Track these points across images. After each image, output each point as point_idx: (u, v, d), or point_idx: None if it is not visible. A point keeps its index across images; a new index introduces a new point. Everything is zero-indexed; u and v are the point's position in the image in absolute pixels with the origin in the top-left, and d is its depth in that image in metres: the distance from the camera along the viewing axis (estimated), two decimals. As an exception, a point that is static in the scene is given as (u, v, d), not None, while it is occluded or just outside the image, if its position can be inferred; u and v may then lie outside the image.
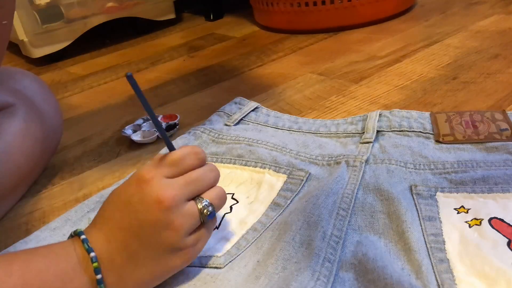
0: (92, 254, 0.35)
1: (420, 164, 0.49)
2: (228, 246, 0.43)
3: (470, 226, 0.40)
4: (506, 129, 0.52)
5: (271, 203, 0.48)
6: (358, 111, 0.68)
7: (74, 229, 0.48)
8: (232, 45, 1.12)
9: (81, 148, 0.71)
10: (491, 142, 0.51)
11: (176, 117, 0.71)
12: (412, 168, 0.49)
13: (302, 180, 0.50)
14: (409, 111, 0.58)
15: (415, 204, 0.44)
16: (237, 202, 0.49)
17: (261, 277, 0.38)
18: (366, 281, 0.36)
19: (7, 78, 0.60)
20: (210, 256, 0.42)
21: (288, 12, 1.09)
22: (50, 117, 0.62)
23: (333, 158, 0.52)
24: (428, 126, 0.55)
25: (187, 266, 0.41)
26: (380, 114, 0.58)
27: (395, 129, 0.56)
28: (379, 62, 0.84)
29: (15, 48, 1.25)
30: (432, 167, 0.48)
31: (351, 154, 0.52)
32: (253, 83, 0.86)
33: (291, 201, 0.47)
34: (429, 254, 0.38)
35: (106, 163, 0.66)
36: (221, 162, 0.56)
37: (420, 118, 0.57)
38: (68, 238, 0.38)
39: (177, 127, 0.70)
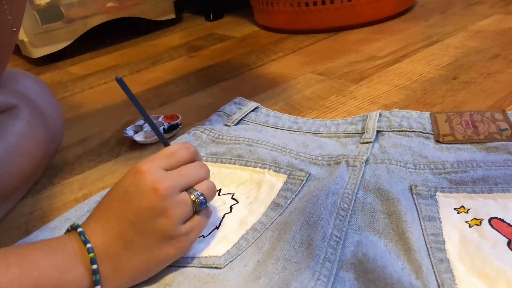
0: (89, 245, 0.36)
1: (420, 164, 0.49)
2: (228, 246, 0.43)
3: (470, 226, 0.40)
4: (506, 129, 0.52)
5: (271, 203, 0.48)
6: (358, 111, 0.68)
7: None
8: (232, 45, 1.12)
9: (81, 148, 0.71)
10: (491, 142, 0.51)
11: (178, 117, 0.71)
12: (412, 168, 0.49)
13: (302, 180, 0.50)
14: (409, 111, 0.58)
15: (415, 204, 0.44)
16: (237, 202, 0.49)
17: (261, 277, 0.38)
18: (367, 281, 0.36)
19: (9, 80, 0.61)
20: (210, 256, 0.42)
21: (288, 12, 1.09)
22: (52, 118, 0.63)
23: (333, 158, 0.52)
24: (428, 126, 0.55)
25: (188, 266, 0.41)
26: (380, 114, 0.58)
27: (395, 129, 0.56)
28: (379, 62, 0.84)
29: (15, 48, 1.24)
30: (432, 167, 0.48)
31: (351, 154, 0.52)
32: (253, 83, 0.86)
33: (291, 201, 0.47)
34: (429, 254, 0.38)
35: (106, 163, 0.66)
36: (221, 162, 0.56)
37: (420, 118, 0.57)
38: (65, 233, 0.39)
39: (180, 127, 0.70)
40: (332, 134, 0.58)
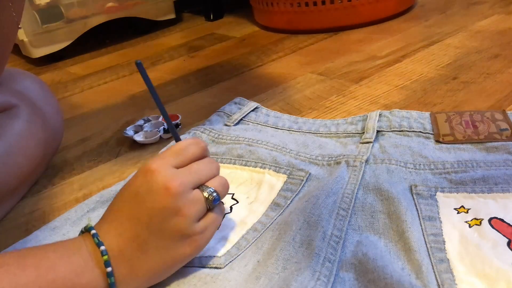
0: (102, 247, 0.36)
1: (420, 164, 0.49)
2: (228, 246, 0.43)
3: (470, 226, 0.40)
4: (506, 129, 0.52)
5: (271, 203, 0.48)
6: (358, 111, 0.68)
7: (74, 228, 0.48)
8: (232, 45, 1.12)
9: (81, 148, 0.71)
10: (491, 142, 0.51)
11: (178, 117, 0.71)
12: (412, 168, 0.49)
13: (302, 180, 0.50)
14: (409, 111, 0.58)
15: (415, 204, 0.44)
16: (237, 202, 0.49)
17: (261, 277, 0.38)
18: (367, 281, 0.36)
19: (9, 79, 0.61)
20: (210, 256, 0.42)
21: (288, 12, 1.09)
22: (51, 118, 0.62)
23: (333, 158, 0.52)
24: (428, 126, 0.55)
25: (188, 266, 0.41)
26: (380, 114, 0.58)
27: (395, 129, 0.56)
28: (379, 62, 0.84)
29: (15, 48, 1.24)
30: (432, 167, 0.48)
31: (351, 154, 0.52)
32: (253, 83, 0.86)
33: (291, 201, 0.47)
34: (429, 254, 0.38)
35: (106, 163, 0.66)
36: (221, 162, 0.56)
37: (420, 118, 0.57)
38: (79, 235, 0.39)
39: (180, 127, 0.70)
40: (332, 134, 0.58)
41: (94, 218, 0.49)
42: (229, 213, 0.48)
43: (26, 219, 0.55)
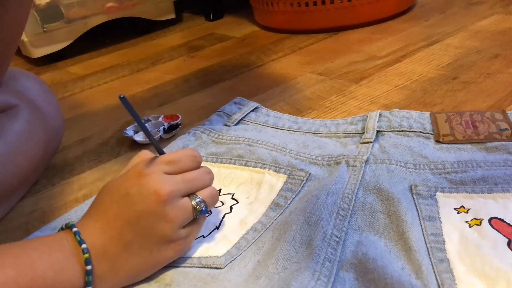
0: (84, 245, 0.36)
1: (420, 164, 0.49)
2: (228, 246, 0.43)
3: (470, 226, 0.40)
4: (506, 129, 0.52)
5: (271, 203, 0.48)
6: (358, 111, 0.68)
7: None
8: (232, 45, 1.12)
9: (81, 148, 0.71)
10: (491, 142, 0.51)
11: (178, 117, 0.71)
12: (412, 168, 0.49)
13: (302, 180, 0.50)
14: (409, 111, 0.58)
15: (415, 204, 0.44)
16: (237, 202, 0.49)
17: (261, 277, 0.38)
18: (367, 281, 0.36)
19: (9, 79, 0.61)
20: (211, 257, 0.42)
21: (288, 12, 1.09)
22: (51, 118, 0.62)
23: (333, 158, 0.52)
24: (428, 126, 0.55)
25: (188, 266, 0.41)
26: (380, 114, 0.58)
27: (395, 129, 0.56)
28: (379, 62, 0.84)
29: (15, 48, 1.24)
30: (432, 167, 0.48)
31: (351, 154, 0.52)
32: (253, 83, 0.86)
33: (291, 201, 0.47)
34: (429, 254, 0.38)
35: (106, 163, 0.66)
36: (221, 162, 0.56)
37: (420, 118, 0.57)
38: (59, 231, 0.39)
39: (180, 127, 0.70)
40: (332, 134, 0.58)
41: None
42: (229, 213, 0.48)
43: (26, 219, 0.55)
